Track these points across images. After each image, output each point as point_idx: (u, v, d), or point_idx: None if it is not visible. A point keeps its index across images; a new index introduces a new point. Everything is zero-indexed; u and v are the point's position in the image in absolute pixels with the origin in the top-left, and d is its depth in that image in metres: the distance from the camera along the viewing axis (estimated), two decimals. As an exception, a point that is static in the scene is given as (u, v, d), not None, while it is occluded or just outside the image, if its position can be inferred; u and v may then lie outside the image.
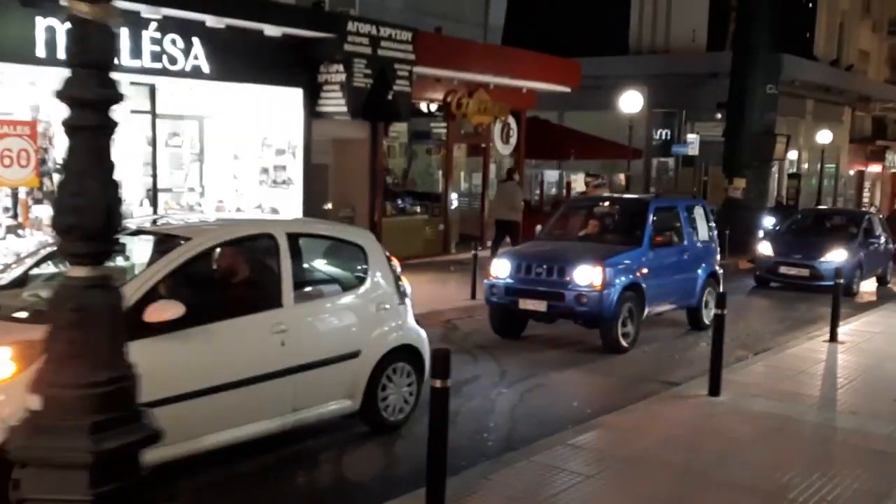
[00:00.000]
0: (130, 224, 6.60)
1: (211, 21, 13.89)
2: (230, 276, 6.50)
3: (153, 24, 13.43)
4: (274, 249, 6.52)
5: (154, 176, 14.74)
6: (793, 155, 33.21)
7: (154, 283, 5.66)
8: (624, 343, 11.12)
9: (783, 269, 17.29)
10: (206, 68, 14.19)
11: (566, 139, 24.96)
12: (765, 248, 17.90)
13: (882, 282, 19.18)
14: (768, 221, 20.58)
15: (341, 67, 15.86)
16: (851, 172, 39.97)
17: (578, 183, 27.05)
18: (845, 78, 33.78)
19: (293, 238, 6.72)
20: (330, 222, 8.60)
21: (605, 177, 17.70)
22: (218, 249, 6.47)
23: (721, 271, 13.65)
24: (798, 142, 33.18)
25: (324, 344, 6.76)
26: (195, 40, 13.99)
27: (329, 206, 16.49)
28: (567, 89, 21.81)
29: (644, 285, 11.42)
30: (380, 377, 7.23)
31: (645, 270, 11.54)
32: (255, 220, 7.25)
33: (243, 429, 6.21)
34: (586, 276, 10.84)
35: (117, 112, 3.70)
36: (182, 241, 6.08)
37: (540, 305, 11.05)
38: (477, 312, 12.94)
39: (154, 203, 14.88)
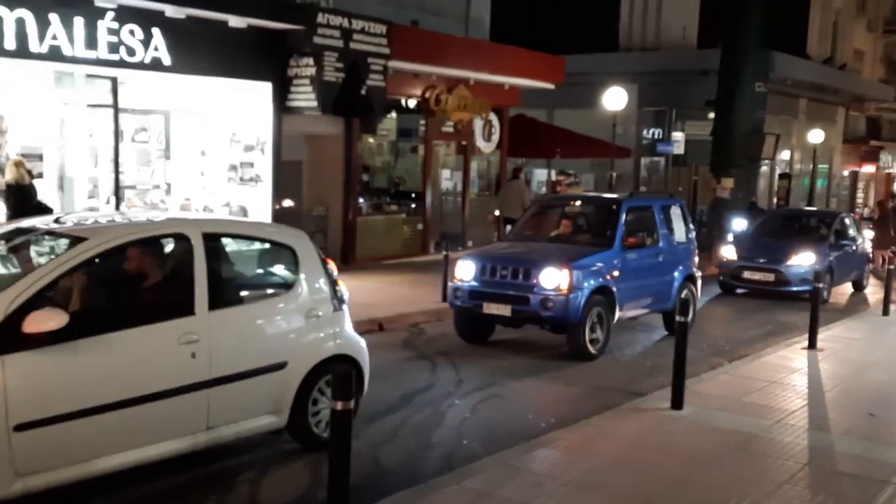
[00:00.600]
0: (27, 224, 6.02)
1: (171, 11, 13.30)
2: (135, 281, 5.91)
3: (109, 14, 12.84)
4: (187, 251, 5.93)
5: (117, 172, 14.17)
6: (785, 155, 32.66)
7: (37, 289, 5.07)
8: (592, 349, 10.54)
9: (747, 274, 16.21)
10: (167, 60, 13.60)
11: (553, 137, 24.34)
12: (728, 252, 16.77)
13: (858, 287, 18.06)
14: (738, 224, 19.56)
15: (311, 61, 15.27)
16: (845, 173, 39.38)
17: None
18: (839, 77, 33.17)
19: (211, 239, 6.13)
20: (259, 222, 8.02)
21: (579, 175, 16.99)
22: (122, 251, 5.85)
23: (699, 274, 13.07)
24: (791, 141, 32.60)
25: (243, 355, 6.17)
26: (155, 31, 13.40)
27: (289, 202, 15.85)
28: (551, 86, 21.22)
29: (615, 289, 10.84)
30: (310, 390, 6.65)
31: (616, 273, 10.96)
32: (168, 219, 6.63)
33: (146, 450, 5.62)
34: (552, 279, 10.26)
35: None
36: (77, 243, 5.48)
37: (504, 310, 10.46)
38: (446, 316, 12.32)
39: (118, 200, 14.33)
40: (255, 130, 15.70)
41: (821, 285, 11.11)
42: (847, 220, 17.81)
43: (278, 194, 15.95)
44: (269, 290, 6.58)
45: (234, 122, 15.66)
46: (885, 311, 13.86)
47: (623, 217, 11.31)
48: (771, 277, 15.89)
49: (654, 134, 30.34)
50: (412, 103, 18.47)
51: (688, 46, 29.16)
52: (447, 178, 20.69)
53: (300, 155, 16.70)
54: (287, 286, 6.65)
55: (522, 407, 8.43)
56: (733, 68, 22.62)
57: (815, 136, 29.14)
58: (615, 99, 19.32)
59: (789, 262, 15.84)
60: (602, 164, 29.49)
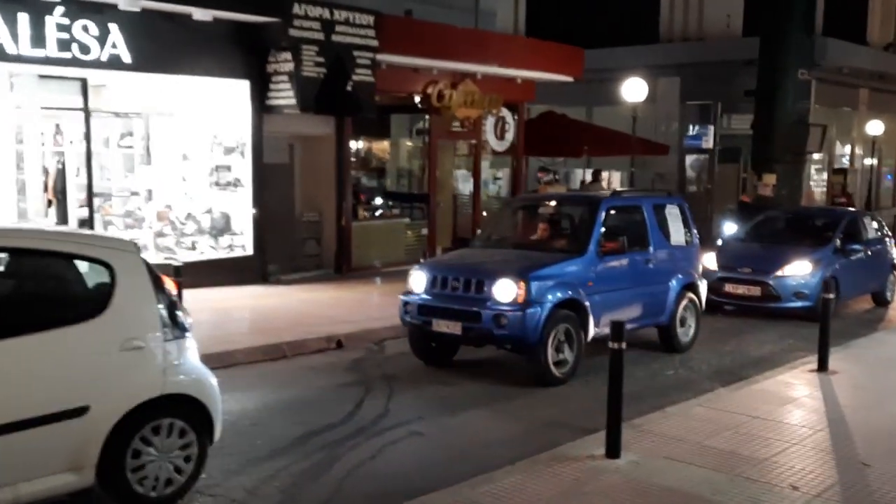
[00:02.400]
0: None
1: (123, 3, 12.20)
2: None
3: (58, 10, 11.79)
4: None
5: (89, 178, 13.15)
6: (845, 149, 30.30)
7: None
8: (558, 373, 8.98)
9: (729, 288, 13.07)
10: (126, 58, 12.53)
11: (582, 135, 22.60)
12: (709, 260, 13.37)
13: (879, 300, 14.77)
14: (729, 228, 16.14)
15: (289, 55, 14.04)
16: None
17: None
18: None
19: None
20: (73, 233, 6.67)
21: (560, 172, 15.24)
22: None
23: (703, 283, 11.34)
24: (851, 135, 30.15)
25: (20, 399, 4.85)
26: (112, 27, 12.36)
27: (254, 211, 14.55)
28: (569, 79, 19.58)
29: (587, 302, 9.25)
30: (128, 440, 5.31)
31: (590, 283, 9.36)
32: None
33: None
34: (506, 291, 8.74)
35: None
36: None
37: (454, 327, 8.98)
38: (417, 331, 10.93)
39: (90, 208, 13.30)
40: (236, 132, 14.53)
41: (830, 296, 9.25)
42: (865, 221, 14.79)
43: (260, 199, 14.75)
44: (67, 316, 5.23)
45: (214, 124, 14.50)
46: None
47: (600, 219, 9.70)
48: (757, 291, 12.89)
49: (698, 129, 28.38)
50: (416, 100, 17.10)
51: (732, 35, 27.11)
52: (463, 180, 19.21)
53: (283, 157, 15.44)
54: (95, 310, 5.29)
55: (439, 450, 6.95)
56: (774, 55, 20.60)
57: (874, 127, 26.71)
58: (634, 91, 17.58)
59: (780, 273, 12.87)
60: (644, 163, 27.73)
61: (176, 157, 14.40)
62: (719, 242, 15.21)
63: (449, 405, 8.20)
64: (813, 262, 13.14)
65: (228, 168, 14.43)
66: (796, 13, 20.28)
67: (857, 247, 13.82)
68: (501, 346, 9.14)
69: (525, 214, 10.95)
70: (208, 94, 14.12)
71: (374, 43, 14.90)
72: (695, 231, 11.22)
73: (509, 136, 19.14)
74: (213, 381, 5.82)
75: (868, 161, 30.98)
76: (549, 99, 28.41)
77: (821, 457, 6.40)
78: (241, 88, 14.25)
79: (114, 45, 12.42)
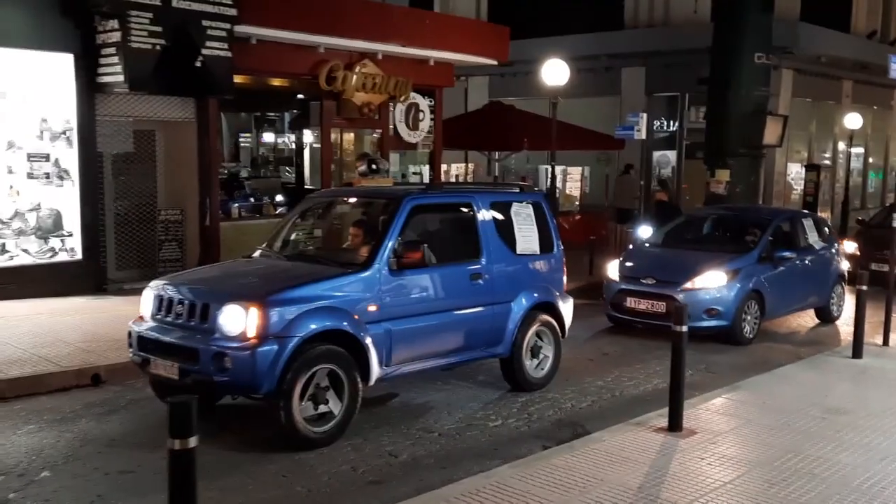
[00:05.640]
0: None
1: None
2: None
3: None
4: None
5: None
6: (824, 145, 27.48)
7: None
8: (313, 432, 6.39)
9: (630, 302, 10.69)
10: None
11: (527, 127, 19.96)
12: (612, 270, 11.30)
13: (824, 316, 12.18)
14: (644, 231, 13.40)
15: (116, 24, 11.51)
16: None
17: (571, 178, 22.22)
18: (888, 54, 27.52)
19: None
20: None
21: (386, 163, 12.59)
22: None
23: (569, 302, 8.71)
24: (833, 130, 27.28)
25: None
26: None
27: (82, 208, 12.07)
28: (492, 62, 16.95)
29: (367, 334, 6.65)
30: None
31: (373, 308, 6.77)
32: None
33: None
34: (233, 320, 6.18)
35: None
36: None
37: (172, 370, 6.40)
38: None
39: None
40: (63, 115, 12.02)
41: (683, 328, 6.54)
42: (803, 223, 12.03)
43: (93, 194, 12.27)
44: None
45: (43, 106, 11.99)
46: (856, 352, 9.19)
47: (398, 222, 7.10)
48: (661, 307, 10.26)
49: (664, 124, 25.74)
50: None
51: (700, 22, 24.31)
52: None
53: (127, 145, 12.92)
54: None
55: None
56: (727, 37, 17.89)
57: (853, 120, 23.84)
58: (554, 74, 14.88)
59: (688, 285, 10.35)
60: (609, 159, 25.11)
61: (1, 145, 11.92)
62: (631, 247, 12.51)
63: (140, 488, 5.64)
64: (729, 272, 10.46)
65: (46, 157, 11.90)
66: (752, -11, 17.56)
67: (788, 254, 11.10)
68: (223, 394, 6.58)
69: (316, 216, 8.35)
70: (30, 70, 11.64)
71: (231, 12, 12.37)
72: (556, 236, 8.57)
73: (424, 125, 16.53)
74: None
75: (853, 157, 28.12)
76: (504, 91, 25.95)
77: None
78: (64, 63, 11.78)
79: None
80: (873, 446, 6.21)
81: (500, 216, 8.08)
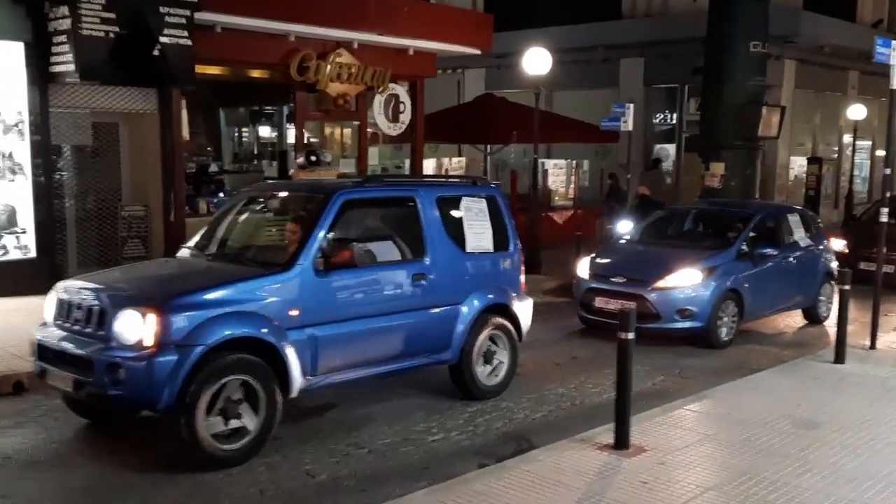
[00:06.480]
0: None
1: None
2: None
3: None
4: None
5: None
6: (829, 138, 26.69)
7: None
8: (221, 450, 5.78)
9: (599, 302, 9.94)
10: None
11: (518, 119, 19.27)
12: (582, 267, 10.60)
13: (811, 317, 11.46)
14: (624, 226, 12.59)
15: (67, 10, 10.93)
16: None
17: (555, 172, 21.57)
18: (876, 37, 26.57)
19: None
20: None
21: (328, 154, 11.85)
22: None
23: (527, 303, 8.06)
24: (838, 122, 26.45)
25: None
26: None
27: (35, 203, 11.53)
28: (476, 51, 16.27)
29: (287, 342, 6.03)
30: None
31: (295, 312, 6.15)
32: None
33: None
34: (130, 327, 5.58)
35: None
36: None
37: (67, 382, 5.80)
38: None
39: None
40: (14, 106, 11.46)
41: (629, 335, 5.87)
42: (789, 219, 11.25)
43: (47, 189, 11.72)
44: None
45: (-2, 98, 11.46)
46: (839, 356, 8.49)
47: (327, 218, 6.48)
48: (630, 307, 9.75)
49: (664, 117, 25.03)
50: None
51: (699, 10, 23.49)
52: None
53: (86, 138, 12.33)
54: None
55: None
56: (722, 25, 17.17)
57: (857, 112, 23.01)
58: (537, 63, 14.20)
59: (660, 284, 9.62)
60: (605, 153, 24.38)
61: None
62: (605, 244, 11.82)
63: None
64: (705, 269, 9.75)
65: (-2, 150, 11.36)
66: (746, -26, 16.82)
67: (769, 251, 10.38)
68: (115, 408, 5.99)
69: (247, 212, 7.71)
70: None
71: (191, -2, 11.75)
72: (513, 232, 7.93)
73: (405, 117, 15.87)
74: None
75: (859, 150, 27.26)
76: (501, 83, 25.24)
77: None
78: (14, 52, 11.21)
79: None
80: (840, 466, 5.55)
81: (448, 211, 7.43)
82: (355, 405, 7.30)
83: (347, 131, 16.70)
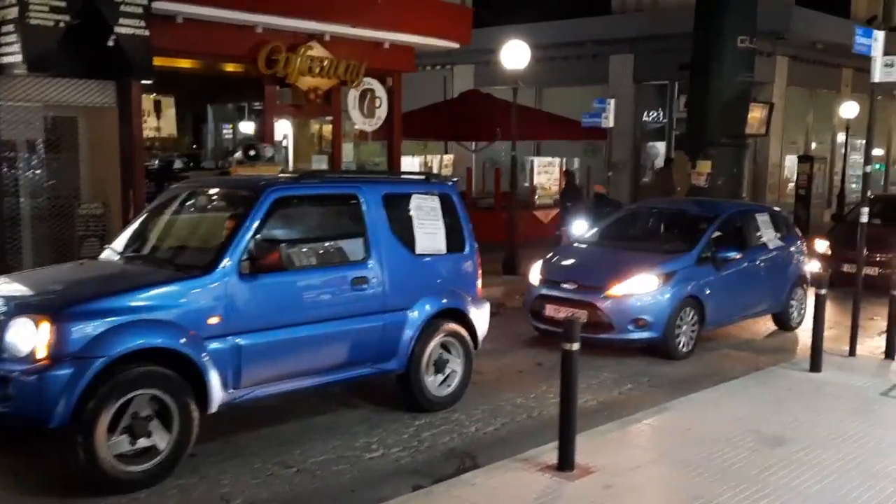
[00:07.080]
0: None
1: None
2: None
3: None
4: None
5: None
6: (822, 136, 26.17)
7: None
8: (125, 471, 5.25)
9: (550, 310, 9.28)
10: None
11: (501, 116, 18.74)
12: (533, 272, 9.89)
13: (782, 323, 10.78)
14: (579, 227, 12.10)
15: (14, -1, 10.41)
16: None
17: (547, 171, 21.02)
18: (890, 41, 26.05)
19: None
20: None
21: (270, 149, 11.25)
22: None
23: (484, 308, 7.54)
24: (832, 120, 25.91)
25: None
26: None
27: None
28: (454, 45, 15.72)
29: (204, 353, 5.50)
30: None
31: (215, 320, 5.63)
32: None
33: None
34: (22, 337, 5.06)
35: None
36: None
37: (-41, 393, 5.28)
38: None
39: None
40: (-38, 100, 10.94)
41: (573, 346, 5.33)
42: (757, 219, 10.62)
43: (-2, 186, 11.18)
44: None
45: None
46: (814, 365, 7.96)
47: (254, 218, 5.96)
48: (582, 315, 8.84)
49: (653, 115, 24.52)
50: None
51: (690, 5, 22.97)
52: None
53: (36, 132, 11.78)
54: None
55: None
56: (709, 19, 16.63)
57: (849, 110, 22.49)
58: (515, 56, 13.66)
59: (613, 291, 8.96)
60: (594, 151, 23.87)
61: None
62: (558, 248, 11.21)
63: None
64: (662, 275, 9.11)
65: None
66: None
67: (732, 254, 9.74)
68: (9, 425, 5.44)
69: (173, 210, 7.17)
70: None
71: (148, -13, 11.21)
72: (468, 232, 7.40)
73: (381, 112, 15.32)
74: None
75: (853, 148, 26.71)
76: (490, 80, 24.70)
77: None
78: (-43, 43, 10.67)
79: None
80: (802, 490, 5.03)
81: (396, 210, 6.90)
82: (293, 418, 6.78)
83: (328, 128, 16.17)
